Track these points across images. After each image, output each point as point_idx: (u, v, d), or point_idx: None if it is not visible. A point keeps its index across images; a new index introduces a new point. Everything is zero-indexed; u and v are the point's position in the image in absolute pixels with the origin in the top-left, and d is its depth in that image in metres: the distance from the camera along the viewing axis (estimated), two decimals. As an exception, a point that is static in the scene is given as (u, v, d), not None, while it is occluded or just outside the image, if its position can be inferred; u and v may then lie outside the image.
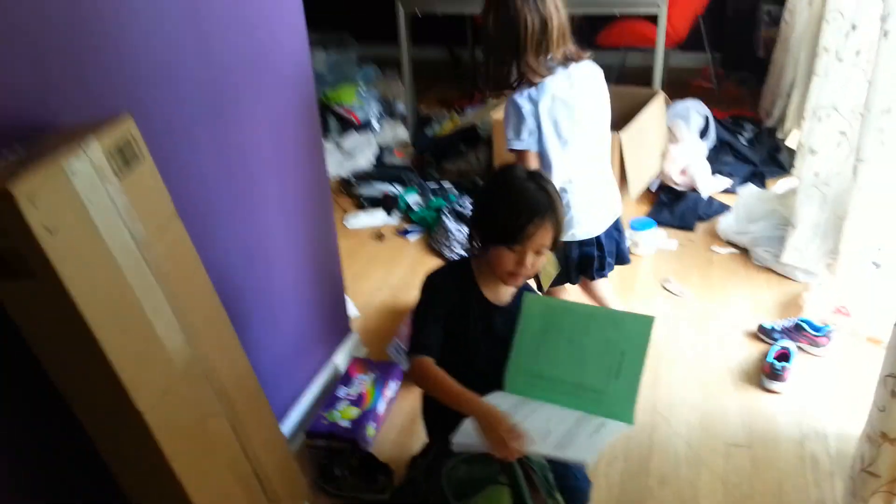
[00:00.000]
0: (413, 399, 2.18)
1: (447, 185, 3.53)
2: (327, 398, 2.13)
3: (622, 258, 2.21)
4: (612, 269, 2.17)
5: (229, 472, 1.39)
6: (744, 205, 3.07)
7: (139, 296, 1.16)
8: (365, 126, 4.16)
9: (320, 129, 2.10)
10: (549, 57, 1.87)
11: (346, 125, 4.16)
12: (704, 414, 2.15)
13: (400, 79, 4.29)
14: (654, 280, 2.82)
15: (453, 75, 5.06)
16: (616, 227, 2.13)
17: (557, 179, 1.92)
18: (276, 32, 1.81)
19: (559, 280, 2.11)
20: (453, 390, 1.41)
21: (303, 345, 2.13)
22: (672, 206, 3.29)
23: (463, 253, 2.81)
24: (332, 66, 4.51)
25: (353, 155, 3.90)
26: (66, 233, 1.03)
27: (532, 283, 1.94)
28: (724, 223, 3.06)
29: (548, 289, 2.10)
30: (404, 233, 3.26)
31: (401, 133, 4.12)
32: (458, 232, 3.06)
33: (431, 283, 1.58)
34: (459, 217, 3.17)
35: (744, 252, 2.94)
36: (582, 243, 2.06)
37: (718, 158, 3.56)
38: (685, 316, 2.60)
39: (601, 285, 2.24)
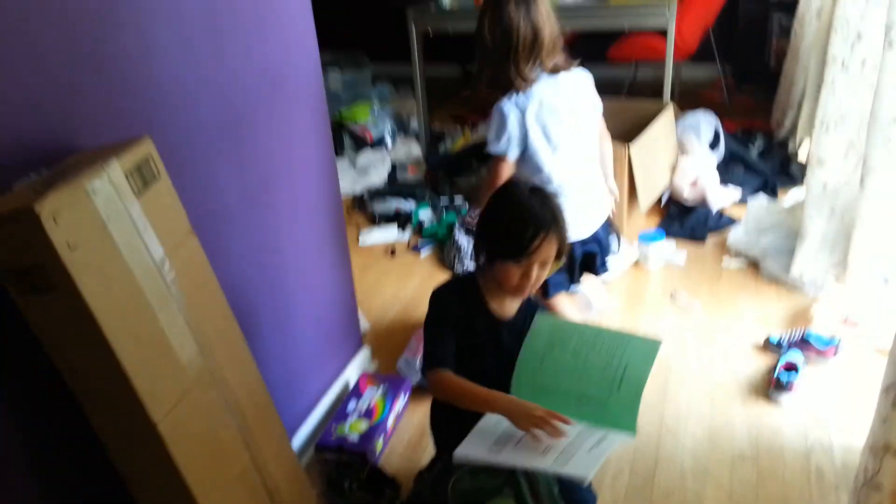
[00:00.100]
0: (422, 413, 2.21)
1: (459, 200, 3.57)
2: (337, 412, 2.17)
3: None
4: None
5: (240, 482, 1.43)
6: (753, 217, 3.08)
7: (155, 309, 1.22)
8: (378, 143, 4.23)
9: (333, 147, 2.16)
10: (539, 65, 1.94)
11: (361, 143, 4.23)
12: (711, 426, 2.17)
13: (413, 96, 4.36)
14: (663, 292, 2.84)
15: (465, 92, 5.13)
16: (608, 223, 2.21)
17: (550, 183, 2.00)
18: (290, 56, 1.88)
19: (563, 284, 2.15)
20: (480, 393, 1.44)
21: (314, 358, 2.18)
22: (682, 218, 3.31)
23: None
24: (347, 86, 4.59)
25: (366, 172, 3.97)
26: (87, 248, 1.09)
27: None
28: (734, 235, 3.07)
29: (553, 294, 2.14)
30: (417, 248, 3.31)
31: (414, 150, 4.18)
32: (470, 247, 3.11)
33: (438, 298, 1.61)
34: (471, 232, 3.21)
35: (753, 264, 2.95)
36: (583, 242, 2.11)
37: (729, 170, 3.57)
38: (693, 328, 2.62)
39: (565, 302, 2.27)
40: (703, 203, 3.35)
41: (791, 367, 2.27)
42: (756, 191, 3.46)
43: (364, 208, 3.70)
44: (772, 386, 2.25)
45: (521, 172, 2.07)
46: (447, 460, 1.46)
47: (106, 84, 1.30)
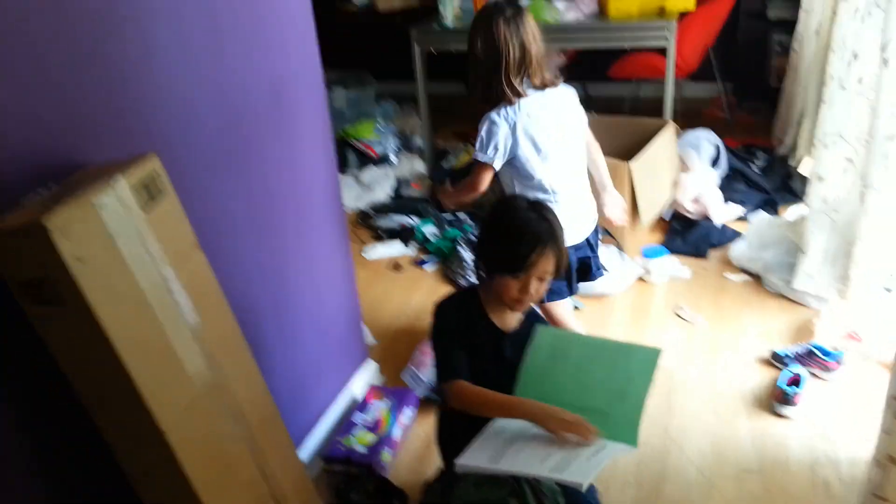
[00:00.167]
0: (428, 425, 2.22)
1: (462, 215, 3.60)
2: (344, 424, 2.18)
3: None
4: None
5: (247, 491, 1.45)
6: (755, 232, 3.10)
7: (161, 320, 1.24)
8: (383, 160, 4.26)
9: (336, 163, 2.19)
10: (527, 80, 2.04)
11: (365, 159, 4.27)
12: (716, 440, 2.17)
13: (416, 113, 4.40)
14: (667, 307, 2.85)
15: (468, 109, 5.15)
16: (596, 231, 2.27)
17: (542, 189, 2.07)
18: (294, 76, 1.91)
19: (562, 292, 2.17)
20: (501, 400, 1.46)
21: (320, 372, 2.19)
22: (685, 234, 3.32)
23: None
24: (352, 103, 4.63)
25: (371, 188, 4.00)
26: (95, 262, 1.11)
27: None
28: (737, 250, 3.09)
29: (551, 300, 2.16)
30: (421, 263, 3.33)
31: (418, 166, 4.21)
32: (474, 261, 3.12)
33: (441, 311, 1.63)
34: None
35: (757, 279, 2.96)
36: (576, 248, 2.15)
37: (731, 186, 3.59)
38: (698, 342, 2.63)
39: (565, 309, 2.30)
40: (705, 219, 3.37)
41: (795, 381, 2.27)
42: (758, 207, 3.47)
43: (369, 224, 3.73)
44: (776, 399, 2.25)
45: (513, 180, 2.14)
46: (453, 472, 1.47)
47: (114, 103, 1.34)
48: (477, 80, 2.06)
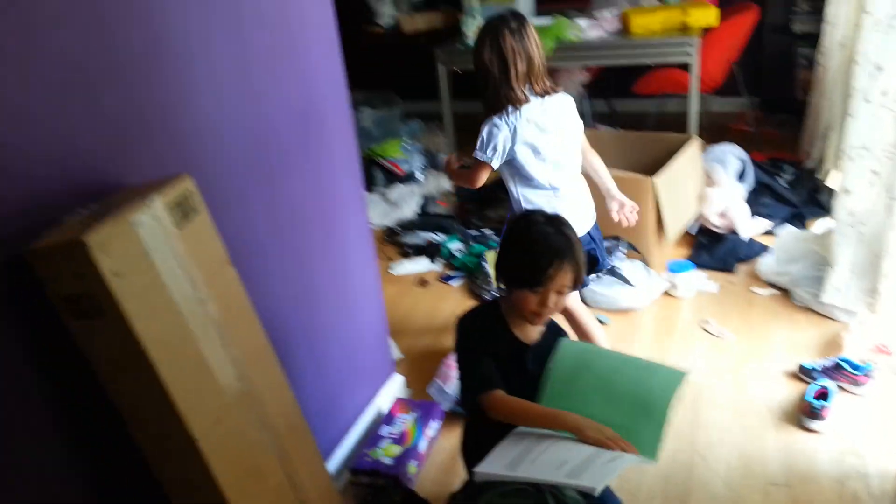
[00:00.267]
0: (453, 438, 2.24)
1: (488, 231, 3.63)
2: (371, 437, 2.21)
3: None
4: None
5: (276, 499, 1.49)
6: (783, 246, 3.08)
7: (195, 333, 1.29)
8: (409, 177, 4.33)
9: (362, 182, 2.25)
10: (529, 87, 2.15)
11: (392, 177, 4.34)
12: (743, 454, 2.16)
13: (442, 132, 4.46)
14: (693, 322, 2.85)
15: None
16: (596, 227, 2.39)
17: (543, 188, 2.23)
18: (320, 98, 1.97)
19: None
20: (541, 411, 1.48)
21: (347, 386, 2.23)
22: (711, 248, 3.31)
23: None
24: (379, 123, 4.72)
25: (398, 205, 4.06)
26: (132, 277, 1.17)
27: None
28: (764, 264, 3.07)
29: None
30: (447, 278, 3.37)
31: (444, 183, 4.26)
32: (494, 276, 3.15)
33: (465, 325, 1.66)
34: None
35: (785, 293, 2.94)
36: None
37: (758, 200, 3.58)
38: (725, 356, 2.62)
39: (578, 305, 2.37)
40: (732, 233, 3.36)
41: (823, 395, 2.26)
42: (785, 221, 3.45)
43: (395, 240, 3.78)
44: (804, 413, 2.23)
45: (511, 178, 2.27)
46: (478, 483, 1.49)
47: (150, 129, 1.41)
48: (485, 88, 2.18)
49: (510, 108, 2.15)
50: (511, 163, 2.21)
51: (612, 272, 2.95)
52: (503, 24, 2.11)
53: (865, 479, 2.01)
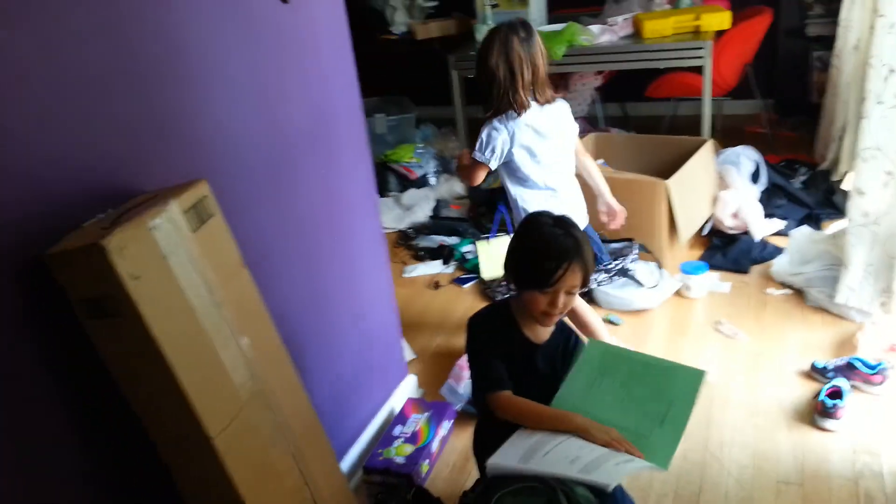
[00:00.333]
0: (466, 438, 2.26)
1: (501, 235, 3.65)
2: (384, 436, 2.24)
3: None
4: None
5: (291, 498, 1.51)
6: (796, 246, 3.07)
7: (210, 334, 1.32)
8: (422, 182, 4.36)
9: (375, 188, 2.28)
10: (532, 94, 2.23)
11: (405, 182, 4.37)
12: (756, 452, 2.16)
13: (455, 136, 4.49)
14: (706, 322, 2.85)
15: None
16: (589, 227, 2.48)
17: (538, 187, 2.33)
18: (334, 104, 2.01)
19: None
20: (549, 413, 1.50)
21: (361, 387, 2.26)
22: (725, 249, 3.31)
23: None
24: (392, 128, 4.76)
25: (411, 209, 4.09)
26: (149, 279, 1.20)
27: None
28: (778, 265, 3.07)
29: None
30: (459, 281, 3.40)
31: (457, 187, 4.29)
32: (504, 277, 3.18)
33: (476, 325, 1.69)
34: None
35: (798, 293, 2.93)
36: None
37: (771, 202, 3.56)
38: (738, 357, 2.62)
39: (582, 302, 2.47)
40: (745, 234, 3.35)
41: (836, 393, 2.25)
42: (800, 222, 3.44)
43: (409, 244, 3.81)
44: (817, 412, 2.23)
45: (508, 178, 2.37)
46: (490, 481, 1.51)
47: (167, 136, 1.45)
48: (488, 92, 2.25)
49: (511, 113, 2.22)
50: (509, 164, 2.30)
51: (624, 273, 2.96)
52: (512, 32, 2.17)
53: (880, 478, 2.01)
